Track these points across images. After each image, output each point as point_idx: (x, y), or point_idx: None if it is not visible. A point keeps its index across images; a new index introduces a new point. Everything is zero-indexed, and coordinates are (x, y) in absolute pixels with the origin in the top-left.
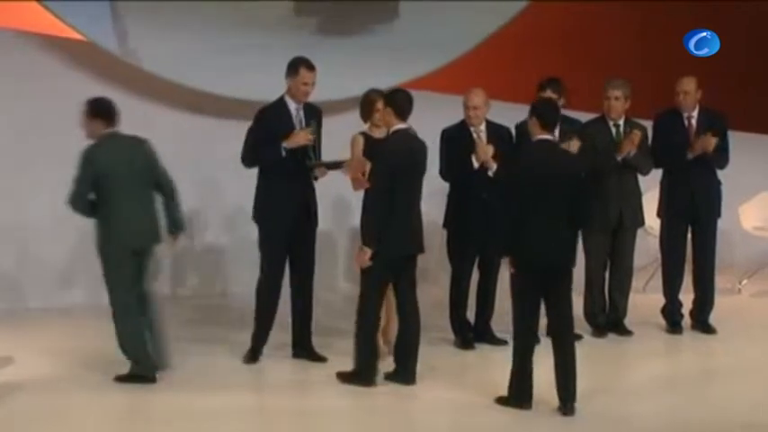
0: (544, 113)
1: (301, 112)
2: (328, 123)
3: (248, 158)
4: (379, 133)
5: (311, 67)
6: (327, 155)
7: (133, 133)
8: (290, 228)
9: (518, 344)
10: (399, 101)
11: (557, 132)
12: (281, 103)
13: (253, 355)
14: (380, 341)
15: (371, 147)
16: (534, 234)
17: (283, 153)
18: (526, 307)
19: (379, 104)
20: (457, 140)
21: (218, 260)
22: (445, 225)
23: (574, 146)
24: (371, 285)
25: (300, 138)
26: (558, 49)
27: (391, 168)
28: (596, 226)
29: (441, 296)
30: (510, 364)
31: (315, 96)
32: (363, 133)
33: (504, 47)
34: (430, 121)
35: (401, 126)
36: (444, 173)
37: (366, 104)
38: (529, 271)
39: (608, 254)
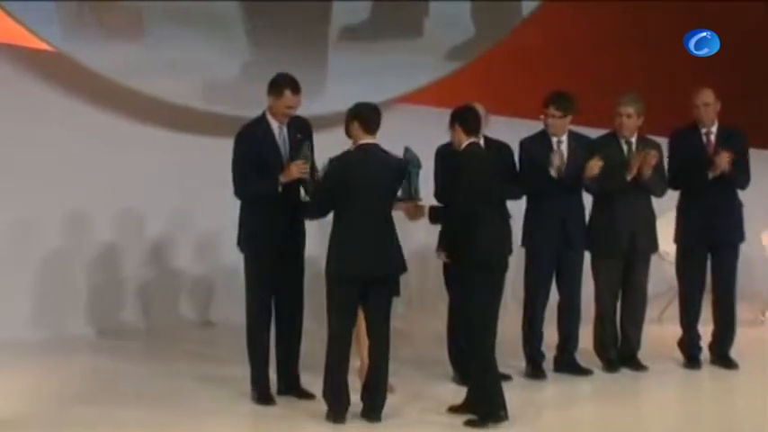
0: (468, 120)
1: (285, 130)
2: (326, 138)
3: (242, 193)
4: None
5: (297, 90)
6: None
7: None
8: (278, 254)
9: None
10: (366, 114)
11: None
12: (262, 121)
13: (264, 397)
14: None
15: (343, 159)
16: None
17: (279, 188)
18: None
19: None
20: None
21: (195, 288)
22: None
23: (594, 167)
24: (332, 313)
25: (294, 172)
26: (561, 60)
27: (343, 182)
28: (606, 252)
29: (438, 327)
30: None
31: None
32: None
33: (502, 59)
34: (428, 137)
35: (369, 141)
36: (439, 192)
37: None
38: (489, 269)
39: (619, 282)
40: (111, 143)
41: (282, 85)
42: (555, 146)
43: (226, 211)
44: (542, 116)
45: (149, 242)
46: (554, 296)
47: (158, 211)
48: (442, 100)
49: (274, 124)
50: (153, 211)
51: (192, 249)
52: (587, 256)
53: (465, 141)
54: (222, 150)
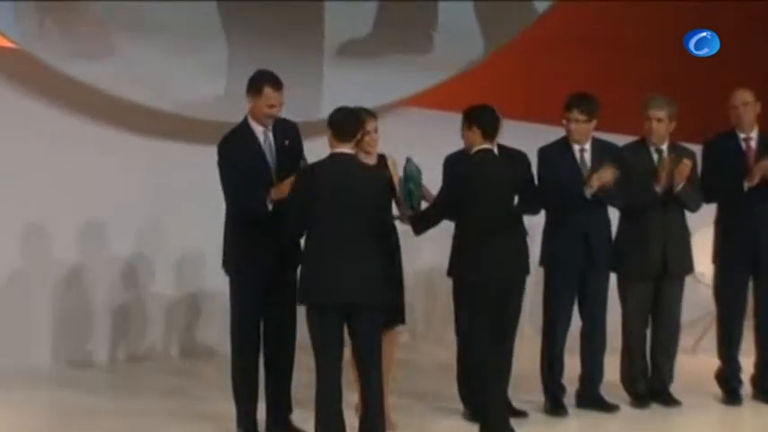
0: (487, 122)
1: (270, 135)
2: (319, 146)
3: (236, 211)
4: (368, 159)
5: (278, 85)
6: None
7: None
8: (268, 277)
9: None
10: (337, 120)
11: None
12: (244, 127)
13: None
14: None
15: (312, 172)
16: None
17: (269, 207)
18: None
19: (371, 125)
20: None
21: (174, 314)
22: (450, 273)
23: (606, 174)
24: (313, 343)
25: (287, 190)
26: (582, 58)
27: (312, 195)
28: (635, 272)
29: (446, 358)
30: None
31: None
32: None
33: (516, 58)
34: (432, 142)
35: (343, 150)
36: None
37: None
38: (484, 295)
39: (650, 307)
40: (75, 149)
41: (261, 81)
42: (578, 155)
43: (209, 226)
44: (564, 121)
45: (120, 262)
46: (576, 322)
47: (130, 227)
48: (448, 103)
49: (258, 129)
50: (124, 227)
51: (169, 271)
52: (613, 277)
53: (478, 146)
54: (204, 157)
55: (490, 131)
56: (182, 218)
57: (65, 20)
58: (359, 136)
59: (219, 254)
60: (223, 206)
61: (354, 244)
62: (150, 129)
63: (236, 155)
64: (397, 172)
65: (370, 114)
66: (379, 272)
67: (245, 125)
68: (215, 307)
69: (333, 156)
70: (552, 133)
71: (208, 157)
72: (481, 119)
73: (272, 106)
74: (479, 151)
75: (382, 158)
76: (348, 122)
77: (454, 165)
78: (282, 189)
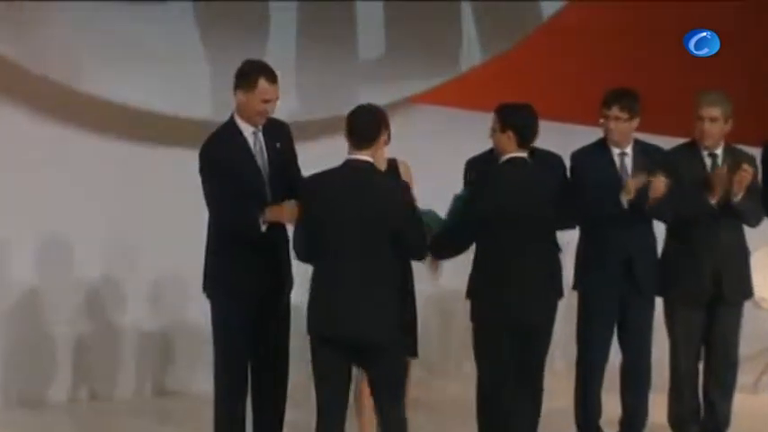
0: (526, 127)
1: (261, 136)
2: (315, 148)
3: (222, 227)
4: (377, 164)
5: (273, 78)
6: None
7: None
8: (257, 302)
9: None
10: (355, 121)
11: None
12: (230, 127)
13: None
14: None
15: (318, 183)
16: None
17: (263, 227)
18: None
19: None
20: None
21: (147, 347)
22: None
23: (658, 186)
24: (314, 380)
25: (285, 215)
26: (618, 48)
27: (314, 211)
28: (684, 297)
29: (465, 395)
30: None
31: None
32: None
33: (540, 49)
34: (448, 141)
35: (359, 157)
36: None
37: None
38: (500, 331)
39: (702, 337)
40: (32, 156)
41: (254, 72)
42: (617, 159)
43: (187, 245)
44: (601, 120)
45: (84, 286)
46: (615, 355)
47: (95, 245)
48: (466, 100)
49: (247, 130)
50: (88, 245)
51: (141, 296)
52: (659, 302)
53: (511, 153)
54: (183, 164)
55: (528, 138)
56: (156, 235)
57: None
58: (381, 140)
59: (200, 276)
60: (204, 221)
61: (366, 269)
62: (118, 131)
63: (223, 160)
64: (411, 180)
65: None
66: (397, 304)
67: (231, 125)
68: (194, 339)
69: (347, 163)
70: (582, 133)
71: (187, 163)
72: (518, 122)
73: (267, 101)
74: (511, 160)
75: (393, 163)
76: (365, 124)
77: (480, 176)
78: (279, 213)
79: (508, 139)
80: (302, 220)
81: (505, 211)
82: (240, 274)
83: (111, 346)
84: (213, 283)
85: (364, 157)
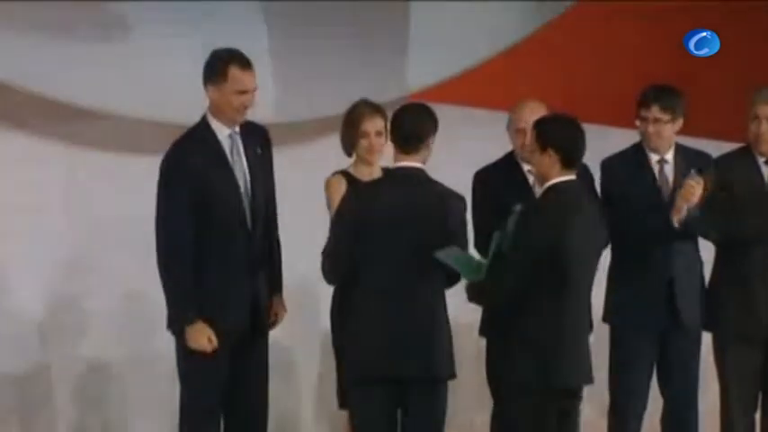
0: (573, 146)
1: (239, 140)
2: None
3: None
4: (369, 173)
5: (245, 64)
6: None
7: None
8: (231, 340)
9: None
10: (401, 122)
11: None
12: (202, 129)
13: None
14: None
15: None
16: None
17: (190, 317)
18: None
19: (370, 125)
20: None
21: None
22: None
23: (692, 189)
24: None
25: (200, 342)
26: (653, 36)
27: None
28: (737, 333)
29: None
30: None
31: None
32: (344, 173)
33: (556, 40)
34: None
35: (408, 164)
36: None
37: (350, 125)
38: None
39: (758, 380)
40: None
41: (224, 61)
42: (656, 168)
43: (146, 271)
44: (638, 121)
45: (24, 321)
46: (655, 400)
47: (36, 273)
48: (474, 96)
49: (222, 132)
50: (28, 273)
51: (88, 332)
52: (707, 338)
53: (558, 178)
54: (144, 174)
55: (573, 157)
56: (107, 260)
57: None
58: (430, 143)
59: (162, 309)
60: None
61: (422, 295)
62: (67, 134)
63: (190, 169)
64: None
65: (375, 110)
66: (444, 333)
67: (203, 126)
68: (156, 386)
69: (393, 172)
70: (612, 136)
71: (148, 173)
72: (561, 139)
73: (243, 92)
74: (554, 187)
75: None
76: (410, 125)
77: (488, 191)
78: (198, 337)
79: (549, 161)
80: (338, 232)
81: (561, 257)
82: (212, 302)
83: (49, 393)
84: (179, 315)
85: (413, 162)
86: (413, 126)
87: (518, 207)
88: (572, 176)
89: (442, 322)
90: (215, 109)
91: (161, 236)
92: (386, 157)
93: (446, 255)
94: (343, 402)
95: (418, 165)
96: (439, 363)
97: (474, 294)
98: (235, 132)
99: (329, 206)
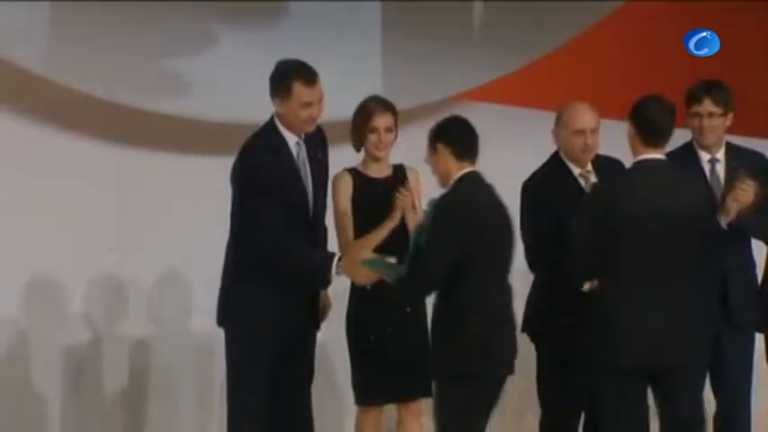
0: (651, 118)
1: (304, 147)
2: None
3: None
4: (378, 170)
5: (312, 79)
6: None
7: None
8: (284, 339)
9: None
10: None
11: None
12: (274, 136)
13: None
14: None
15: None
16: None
17: (331, 278)
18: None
19: (380, 121)
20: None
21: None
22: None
23: (743, 191)
24: (609, 421)
25: (361, 276)
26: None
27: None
28: None
29: None
30: None
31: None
32: (351, 170)
33: (602, 40)
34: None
35: (654, 156)
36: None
37: (359, 121)
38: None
39: None
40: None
41: (287, 77)
42: (706, 167)
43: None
44: (690, 117)
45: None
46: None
47: (15, 283)
48: (520, 95)
49: (291, 140)
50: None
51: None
52: (761, 339)
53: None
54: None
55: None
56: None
57: None
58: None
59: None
60: (188, 249)
61: (682, 282)
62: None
63: (275, 177)
64: (420, 194)
65: (385, 106)
66: (700, 319)
67: (274, 132)
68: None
69: (641, 165)
70: None
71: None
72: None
73: (308, 104)
74: (641, 164)
75: (400, 170)
76: (660, 116)
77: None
78: (355, 271)
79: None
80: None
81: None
82: (266, 300)
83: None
84: (231, 312)
85: (658, 155)
86: (659, 119)
87: (431, 201)
88: (657, 155)
89: (696, 305)
90: (282, 119)
91: (262, 236)
92: (394, 153)
93: (370, 264)
94: (360, 398)
95: (662, 156)
96: (700, 347)
97: (400, 291)
98: (301, 140)
99: (334, 203)
